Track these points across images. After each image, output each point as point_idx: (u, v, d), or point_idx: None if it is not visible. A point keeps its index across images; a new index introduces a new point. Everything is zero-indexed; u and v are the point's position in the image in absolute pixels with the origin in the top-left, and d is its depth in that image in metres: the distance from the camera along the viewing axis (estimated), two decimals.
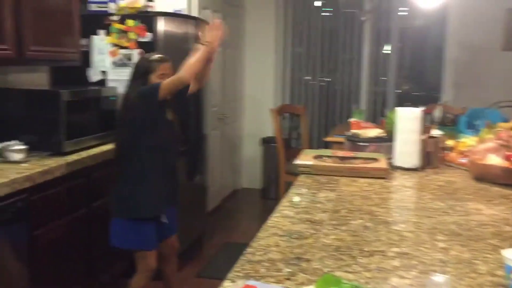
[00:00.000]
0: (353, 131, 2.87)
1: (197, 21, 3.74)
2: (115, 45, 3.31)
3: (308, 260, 1.30)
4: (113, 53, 3.32)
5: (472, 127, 3.12)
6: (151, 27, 3.27)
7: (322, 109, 5.90)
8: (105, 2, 3.39)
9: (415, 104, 3.11)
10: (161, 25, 3.28)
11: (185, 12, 3.90)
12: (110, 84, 3.31)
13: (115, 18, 3.31)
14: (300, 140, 5.42)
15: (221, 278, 1.20)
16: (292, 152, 4.24)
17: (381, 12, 5.53)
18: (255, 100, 5.74)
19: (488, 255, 1.36)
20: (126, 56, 3.30)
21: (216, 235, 4.30)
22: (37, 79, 3.31)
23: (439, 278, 1.15)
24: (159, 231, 2.55)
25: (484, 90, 4.79)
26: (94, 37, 3.33)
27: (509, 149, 2.26)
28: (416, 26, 5.73)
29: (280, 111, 4.77)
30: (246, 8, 5.66)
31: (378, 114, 5.58)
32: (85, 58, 3.28)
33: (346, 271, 1.24)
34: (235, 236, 4.29)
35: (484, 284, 1.19)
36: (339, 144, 3.60)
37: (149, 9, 3.41)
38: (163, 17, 3.30)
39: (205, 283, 3.39)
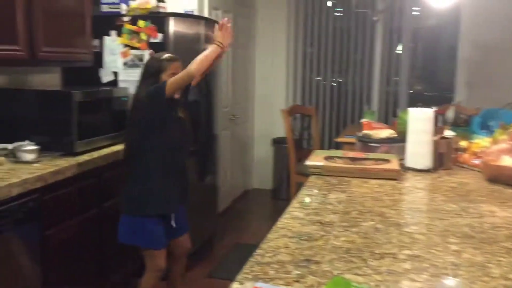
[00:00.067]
0: (365, 131, 2.85)
1: (207, 22, 3.74)
2: (127, 45, 3.33)
3: (317, 262, 1.29)
4: (124, 54, 3.33)
5: (486, 128, 3.07)
6: (162, 28, 3.28)
7: (333, 110, 5.87)
8: (117, 3, 3.40)
9: (427, 105, 3.08)
10: (172, 26, 3.29)
11: (196, 13, 3.91)
12: (122, 84, 3.33)
13: (126, 19, 3.32)
14: (311, 140, 5.40)
15: (232, 279, 1.20)
16: (303, 152, 4.22)
17: (393, 12, 5.49)
18: (266, 100, 5.73)
19: (502, 258, 1.34)
20: (137, 57, 3.31)
21: (227, 236, 4.30)
22: (50, 79, 3.33)
23: (451, 281, 1.13)
24: (169, 231, 2.55)
25: (498, 90, 4.73)
26: (106, 38, 3.35)
27: None
28: (429, 25, 5.68)
29: (291, 112, 4.75)
30: (257, 8, 5.66)
31: (390, 114, 5.54)
32: (97, 59, 3.29)
33: (356, 274, 1.23)
34: (245, 237, 4.28)
35: None
36: (350, 145, 3.58)
37: (160, 10, 3.42)
38: (174, 18, 3.31)
39: (216, 284, 3.39)
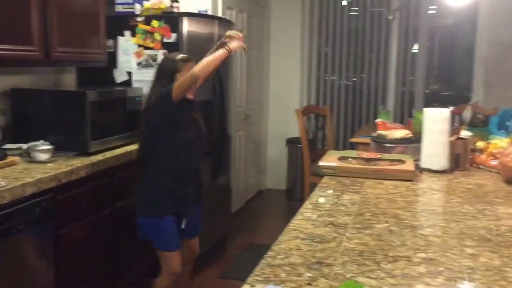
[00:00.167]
0: (379, 132, 2.81)
1: (221, 22, 3.73)
2: (140, 46, 3.33)
3: (330, 265, 1.27)
4: (138, 54, 3.34)
5: (504, 128, 3.01)
6: (175, 28, 3.28)
7: (348, 110, 5.82)
8: (131, 3, 3.41)
9: (444, 104, 3.04)
10: (186, 26, 3.28)
11: (210, 13, 3.91)
12: (135, 84, 3.33)
13: (140, 19, 3.33)
14: (326, 141, 5.37)
15: (244, 279, 1.19)
16: (318, 153, 4.19)
17: (409, 11, 5.42)
18: (280, 100, 5.71)
19: None
20: (151, 57, 3.32)
21: (240, 236, 4.29)
22: (65, 80, 3.35)
23: (466, 285, 1.10)
24: (181, 231, 2.54)
25: None
26: (120, 38, 3.36)
27: None
28: (446, 24, 5.61)
29: (305, 112, 4.72)
30: (272, 8, 5.64)
31: (406, 114, 5.48)
32: (111, 59, 3.31)
33: (369, 277, 1.20)
34: (259, 237, 4.27)
35: None
36: (365, 145, 3.55)
37: (174, 10, 3.42)
38: (187, 18, 3.31)
39: (228, 284, 3.38)
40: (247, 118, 5.05)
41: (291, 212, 1.75)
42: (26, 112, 2.81)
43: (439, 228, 1.60)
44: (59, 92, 3.01)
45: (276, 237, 1.47)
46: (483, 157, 2.51)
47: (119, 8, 3.43)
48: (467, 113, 3.75)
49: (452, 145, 2.38)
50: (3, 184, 2.02)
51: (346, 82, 5.81)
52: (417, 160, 2.41)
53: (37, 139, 2.60)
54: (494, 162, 2.40)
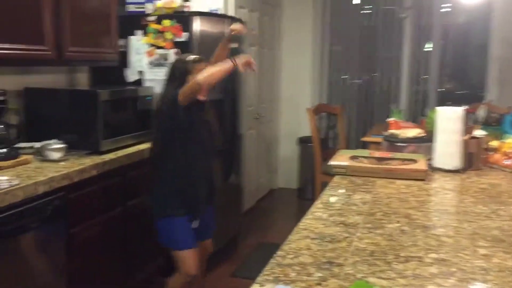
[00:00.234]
0: (391, 131, 2.79)
1: (233, 21, 3.72)
2: (152, 45, 3.34)
3: (340, 265, 1.26)
4: (149, 53, 3.35)
5: None
6: (187, 27, 3.28)
7: (360, 109, 5.79)
8: (143, 3, 3.43)
9: (458, 103, 3.00)
10: (197, 25, 3.29)
11: (221, 12, 3.91)
12: (147, 84, 3.35)
13: (151, 18, 3.34)
14: (337, 140, 5.34)
15: (255, 278, 1.18)
16: (329, 152, 4.17)
17: (422, 9, 5.37)
18: (292, 99, 5.70)
19: None
20: (162, 56, 3.33)
21: (251, 235, 4.28)
22: (78, 79, 3.38)
23: (479, 287, 1.08)
24: (195, 232, 2.54)
25: None
26: (131, 37, 3.37)
27: None
28: (459, 22, 5.55)
29: (316, 111, 4.71)
30: (283, 6, 5.62)
31: (419, 113, 5.43)
32: (123, 59, 3.32)
33: (380, 277, 1.19)
34: (270, 236, 4.27)
35: None
36: (377, 145, 3.52)
37: (185, 9, 3.43)
38: (199, 17, 3.31)
39: (239, 283, 3.38)
40: (258, 117, 5.04)
41: (303, 211, 1.74)
42: (39, 111, 2.83)
43: (451, 228, 1.58)
44: (71, 92, 3.03)
45: (287, 236, 1.46)
46: (497, 156, 2.47)
47: (130, 8, 3.45)
48: (481, 112, 3.70)
49: (466, 144, 2.36)
50: (16, 182, 2.04)
51: (358, 81, 5.78)
52: (429, 159, 2.39)
53: (50, 138, 2.61)
54: (508, 162, 2.37)
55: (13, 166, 2.32)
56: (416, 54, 5.50)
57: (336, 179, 2.18)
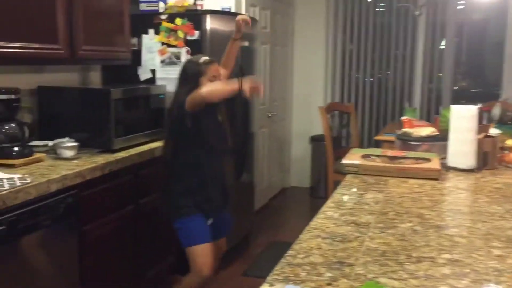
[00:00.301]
0: (404, 129, 2.76)
1: None
2: (164, 43, 3.35)
3: (351, 265, 1.25)
4: (162, 52, 3.36)
5: None
6: (199, 25, 3.28)
7: (373, 107, 5.75)
8: (155, 2, 3.43)
9: (473, 102, 2.96)
10: (209, 23, 3.29)
11: (233, 10, 3.90)
12: (159, 82, 3.35)
13: (164, 17, 3.35)
14: (350, 138, 5.31)
15: (266, 277, 1.17)
16: (342, 150, 4.15)
17: (436, 6, 5.31)
18: (304, 98, 5.67)
19: None
20: (174, 55, 3.33)
21: (263, 234, 4.28)
22: (91, 78, 3.40)
23: None
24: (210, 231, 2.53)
25: None
26: (144, 36, 3.38)
27: None
28: (474, 19, 5.47)
29: (328, 109, 4.68)
30: (296, 4, 5.60)
31: (433, 112, 5.38)
32: (135, 57, 3.33)
33: (391, 278, 1.17)
34: (282, 235, 4.25)
35: None
36: (390, 143, 3.49)
37: (197, 7, 3.43)
38: (211, 15, 3.31)
39: (250, 282, 3.37)
40: (270, 116, 5.03)
41: (315, 210, 1.73)
42: (52, 109, 2.85)
43: (465, 229, 1.56)
44: (84, 90, 3.04)
45: (299, 235, 1.45)
46: None
47: (143, 7, 3.46)
48: (496, 111, 3.65)
49: (480, 143, 2.32)
50: (28, 180, 2.06)
51: (371, 79, 5.73)
52: (443, 158, 2.36)
53: (63, 136, 2.63)
54: None
55: (26, 164, 2.34)
56: (430, 52, 5.44)
57: (348, 178, 2.16)
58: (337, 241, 1.41)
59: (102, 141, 2.73)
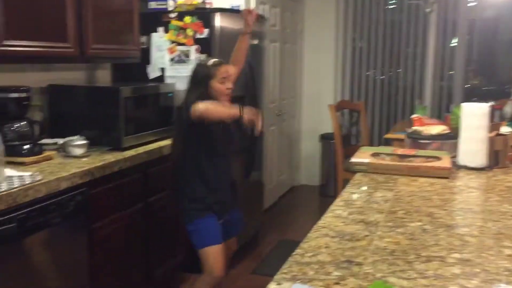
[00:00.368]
0: (415, 127, 2.74)
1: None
2: (173, 42, 3.35)
3: (359, 264, 1.24)
4: (171, 50, 3.36)
5: None
6: (208, 23, 3.28)
7: (383, 105, 5.71)
8: (164, 0, 3.43)
9: (484, 99, 2.93)
10: (218, 21, 3.28)
11: (243, 8, 3.88)
12: (168, 80, 3.36)
13: (173, 15, 3.35)
14: (360, 137, 5.28)
15: (275, 276, 1.17)
16: (352, 149, 4.12)
17: (447, 3, 5.26)
18: (314, 96, 5.65)
19: None
20: (183, 53, 3.33)
21: (273, 232, 4.27)
22: (101, 76, 3.41)
23: None
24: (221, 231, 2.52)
25: None
26: (153, 34, 3.39)
27: None
28: (486, 17, 5.41)
29: (338, 107, 4.66)
30: (305, 1, 5.58)
31: (444, 110, 5.33)
32: (145, 55, 3.34)
33: (400, 277, 1.16)
34: (291, 234, 4.24)
35: None
36: (400, 142, 3.46)
37: (206, 6, 3.42)
38: (220, 13, 3.31)
39: (259, 280, 3.36)
40: (280, 114, 5.02)
41: (324, 208, 1.72)
42: (62, 107, 2.87)
43: (475, 228, 1.54)
44: (94, 88, 3.06)
45: (308, 233, 1.44)
46: None
47: (152, 5, 3.46)
48: (508, 109, 3.61)
49: (491, 141, 2.29)
50: (38, 178, 2.07)
51: (381, 77, 5.70)
52: (454, 157, 2.33)
53: (73, 134, 2.65)
54: None
55: (36, 162, 2.36)
56: (441, 50, 5.39)
57: (357, 176, 2.15)
58: (345, 239, 1.40)
59: (112, 139, 2.74)
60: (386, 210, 1.67)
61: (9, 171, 2.09)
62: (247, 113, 2.31)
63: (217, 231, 2.48)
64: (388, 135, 4.04)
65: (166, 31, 3.36)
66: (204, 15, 3.30)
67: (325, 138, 5.42)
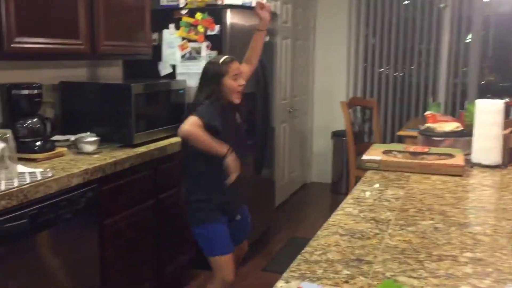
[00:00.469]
0: (428, 124, 2.71)
1: None
2: (184, 38, 3.35)
3: (369, 263, 1.22)
4: (182, 47, 3.36)
5: None
6: (219, 20, 3.27)
7: (396, 102, 5.66)
8: None
9: (499, 96, 2.88)
10: (229, 18, 3.27)
11: (254, 5, 3.86)
12: (179, 77, 3.36)
13: (184, 11, 3.35)
14: (372, 134, 5.24)
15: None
16: (364, 146, 4.09)
17: None
18: (326, 92, 5.62)
19: None
20: (195, 50, 3.33)
21: (284, 230, 4.26)
22: (112, 73, 3.42)
23: None
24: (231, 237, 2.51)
25: None
26: (164, 31, 3.39)
27: None
28: (501, 12, 5.32)
29: (350, 104, 4.63)
30: None
31: (458, 107, 5.26)
32: (156, 52, 3.34)
33: (410, 276, 1.14)
34: (302, 231, 4.23)
35: None
36: (413, 139, 3.43)
37: (217, 2, 3.41)
38: (231, 10, 3.30)
39: (270, 277, 3.34)
40: (291, 111, 5.00)
41: (336, 206, 1.70)
42: (74, 104, 2.88)
43: (489, 226, 1.51)
44: (105, 85, 3.06)
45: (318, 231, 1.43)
46: None
47: (163, 1, 3.46)
48: None
49: (506, 138, 2.26)
50: (50, 174, 2.08)
51: (394, 73, 5.64)
52: (467, 154, 2.30)
53: (84, 131, 2.66)
54: None
55: (48, 159, 2.37)
56: (455, 46, 5.32)
57: (369, 174, 2.13)
58: (355, 238, 1.38)
59: (123, 136, 2.75)
60: (398, 208, 1.65)
61: (21, 168, 2.10)
62: (231, 160, 2.35)
63: (227, 239, 2.45)
64: (401, 132, 4.00)
65: (177, 27, 3.36)
66: (215, 11, 3.29)
67: (337, 135, 5.39)
